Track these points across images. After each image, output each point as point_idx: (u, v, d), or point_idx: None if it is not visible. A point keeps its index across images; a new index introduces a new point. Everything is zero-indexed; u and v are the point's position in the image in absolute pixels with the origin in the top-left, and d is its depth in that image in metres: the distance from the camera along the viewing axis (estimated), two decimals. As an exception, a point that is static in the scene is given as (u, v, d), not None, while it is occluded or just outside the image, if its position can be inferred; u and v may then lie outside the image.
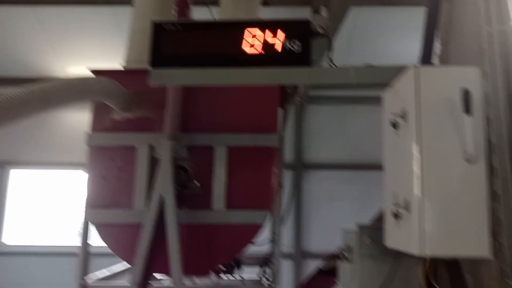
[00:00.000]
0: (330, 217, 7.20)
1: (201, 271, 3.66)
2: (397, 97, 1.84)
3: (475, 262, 1.56)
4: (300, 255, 7.32)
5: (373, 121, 3.12)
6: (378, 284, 1.87)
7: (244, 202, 3.41)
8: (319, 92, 7.70)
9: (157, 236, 3.10)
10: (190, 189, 3.32)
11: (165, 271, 3.17)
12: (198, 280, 3.81)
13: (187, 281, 3.74)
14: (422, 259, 1.65)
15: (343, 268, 2.03)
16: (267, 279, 3.85)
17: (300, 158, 7.73)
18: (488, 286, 1.48)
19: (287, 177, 7.01)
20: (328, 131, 7.86)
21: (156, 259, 3.15)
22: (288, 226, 7.28)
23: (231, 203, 3.39)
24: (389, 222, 1.76)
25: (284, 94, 3.99)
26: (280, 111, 3.72)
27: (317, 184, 7.67)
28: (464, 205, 1.50)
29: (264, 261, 4.17)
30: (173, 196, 3.10)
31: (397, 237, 1.69)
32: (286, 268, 6.91)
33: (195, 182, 3.36)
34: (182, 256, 3.08)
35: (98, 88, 2.91)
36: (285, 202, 3.89)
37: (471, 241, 1.48)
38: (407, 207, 1.55)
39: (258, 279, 4.18)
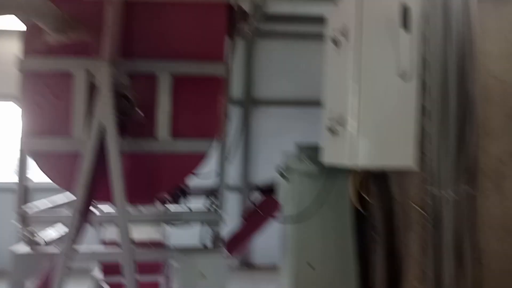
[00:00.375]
0: (278, 152, 7.36)
1: (145, 200, 3.67)
2: (339, 15, 1.82)
3: (401, 174, 1.65)
4: (247, 188, 7.53)
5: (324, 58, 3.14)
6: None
7: (189, 131, 3.38)
8: (270, 26, 7.54)
9: (99, 164, 3.04)
10: (133, 117, 3.23)
11: (109, 199, 3.15)
12: (144, 209, 3.82)
13: (131, 210, 3.75)
14: (353, 172, 1.73)
15: (283, 187, 2.10)
16: (214, 210, 3.95)
17: (249, 94, 7.70)
18: (412, 193, 1.58)
19: (236, 112, 7.00)
20: (278, 67, 7.83)
21: (98, 188, 3.11)
22: (236, 160, 7.39)
23: (176, 132, 3.36)
24: (325, 139, 1.81)
25: (232, 23, 3.86)
26: (227, 40, 3.62)
27: (266, 120, 7.76)
28: (395, 120, 1.57)
29: (211, 192, 4.25)
30: (114, 124, 3.00)
31: (332, 152, 1.75)
32: (233, 201, 7.10)
33: (138, 110, 3.26)
34: (125, 184, 3.06)
35: (25, 4, 2.65)
36: (233, 137, 3.89)
37: (399, 153, 1.56)
38: (342, 122, 1.59)
39: (205, 209, 4.28)
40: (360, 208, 1.74)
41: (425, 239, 1.53)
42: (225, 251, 3.59)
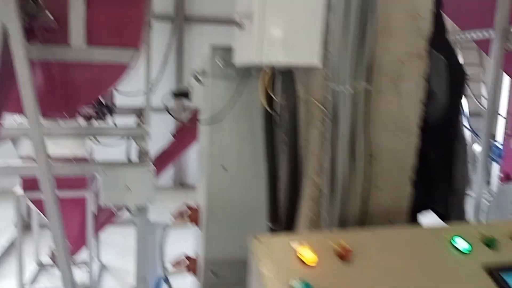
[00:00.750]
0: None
1: (64, 113, 3.50)
2: None
3: (306, 71, 1.67)
4: (179, 108, 7.40)
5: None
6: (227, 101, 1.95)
7: (107, 40, 3.17)
8: None
9: (6, 73, 2.79)
10: (41, 21, 2.95)
11: (21, 111, 2.96)
12: (64, 123, 3.65)
13: (51, 123, 3.57)
14: (262, 71, 1.72)
15: (197, 90, 2.07)
16: (139, 125, 3.87)
17: (181, 9, 7.27)
18: (315, 91, 1.61)
19: (166, 29, 6.65)
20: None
21: (8, 98, 2.89)
22: (169, 81, 7.17)
23: (92, 40, 3.13)
24: (236, 37, 1.77)
25: None
26: None
27: (200, 39, 7.46)
28: (302, 16, 1.54)
29: (140, 112, 4.14)
30: (19, 26, 2.72)
31: (241, 51, 1.72)
32: (165, 122, 6.97)
33: (48, 14, 2.98)
34: (39, 95, 2.86)
35: None
36: (163, 55, 3.66)
37: (305, 50, 1.56)
38: (250, 16, 1.54)
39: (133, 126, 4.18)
40: (267, 108, 1.76)
41: (324, 134, 1.60)
42: (151, 165, 3.57)
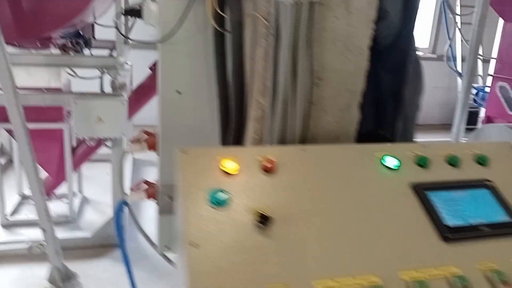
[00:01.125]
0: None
1: (34, 41, 3.42)
2: None
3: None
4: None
5: None
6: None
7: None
8: None
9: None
10: None
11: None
12: (36, 51, 3.57)
13: (22, 52, 3.50)
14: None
15: (148, 8, 1.98)
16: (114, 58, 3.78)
17: None
18: (261, 6, 1.53)
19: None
20: None
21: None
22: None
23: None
24: None
25: None
26: None
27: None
28: None
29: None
30: None
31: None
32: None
33: None
34: (2, 19, 2.77)
35: None
36: None
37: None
38: None
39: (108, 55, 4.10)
40: (217, 26, 1.68)
41: (268, 52, 1.54)
42: (124, 97, 3.54)
